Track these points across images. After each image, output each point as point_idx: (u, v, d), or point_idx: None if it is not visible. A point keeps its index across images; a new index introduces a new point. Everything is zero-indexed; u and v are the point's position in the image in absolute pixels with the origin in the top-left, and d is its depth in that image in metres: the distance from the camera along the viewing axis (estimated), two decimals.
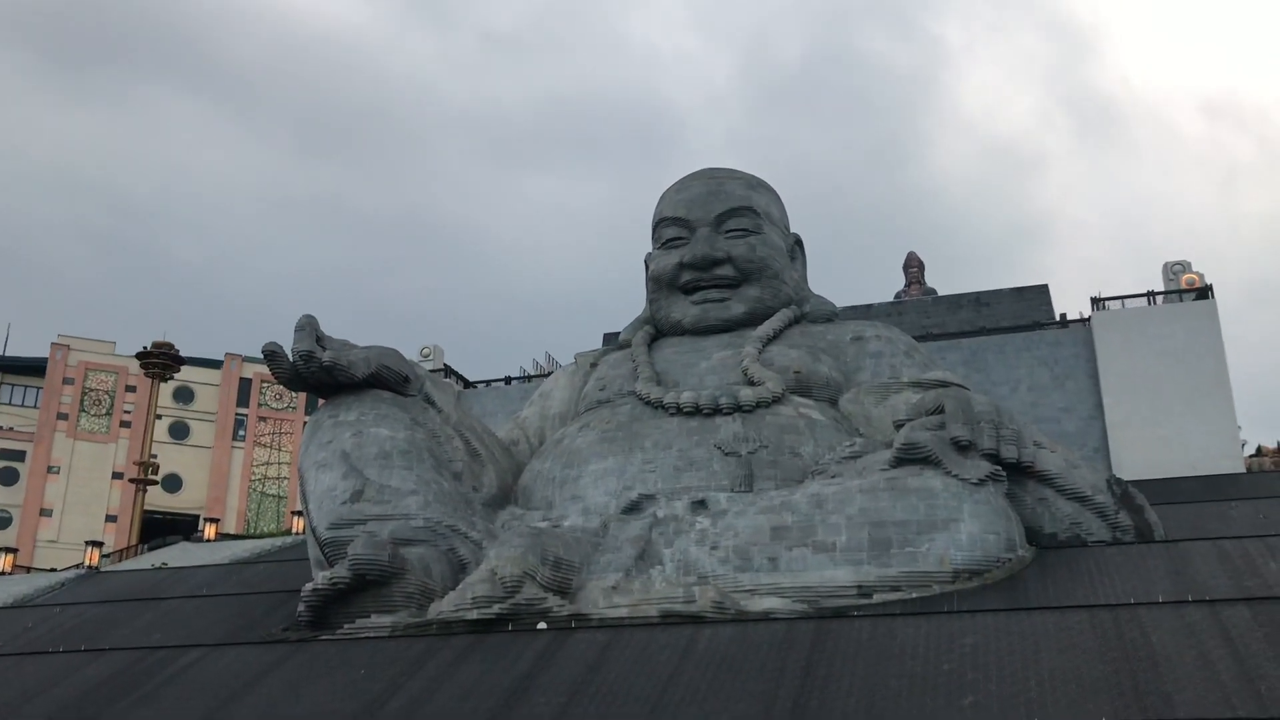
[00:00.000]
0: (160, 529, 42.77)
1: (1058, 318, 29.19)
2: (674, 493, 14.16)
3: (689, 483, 14.41)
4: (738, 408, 15.30)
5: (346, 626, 12.84)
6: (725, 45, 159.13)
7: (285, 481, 65.62)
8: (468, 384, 32.68)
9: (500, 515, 14.80)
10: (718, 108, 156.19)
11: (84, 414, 65.51)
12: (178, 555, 24.52)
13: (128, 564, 25.05)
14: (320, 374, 14.83)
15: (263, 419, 68.25)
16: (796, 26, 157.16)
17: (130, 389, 65.26)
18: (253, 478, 67.00)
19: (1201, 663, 9.51)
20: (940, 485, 12.66)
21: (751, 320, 17.61)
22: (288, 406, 68.14)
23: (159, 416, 52.30)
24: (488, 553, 13.21)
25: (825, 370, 16.72)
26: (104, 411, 65.94)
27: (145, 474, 42.61)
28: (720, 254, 17.66)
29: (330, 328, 15.36)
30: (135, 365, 50.84)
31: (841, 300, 20.53)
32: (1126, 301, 27.48)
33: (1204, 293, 27.10)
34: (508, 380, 32.86)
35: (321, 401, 15.69)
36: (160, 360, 43.73)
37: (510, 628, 12.35)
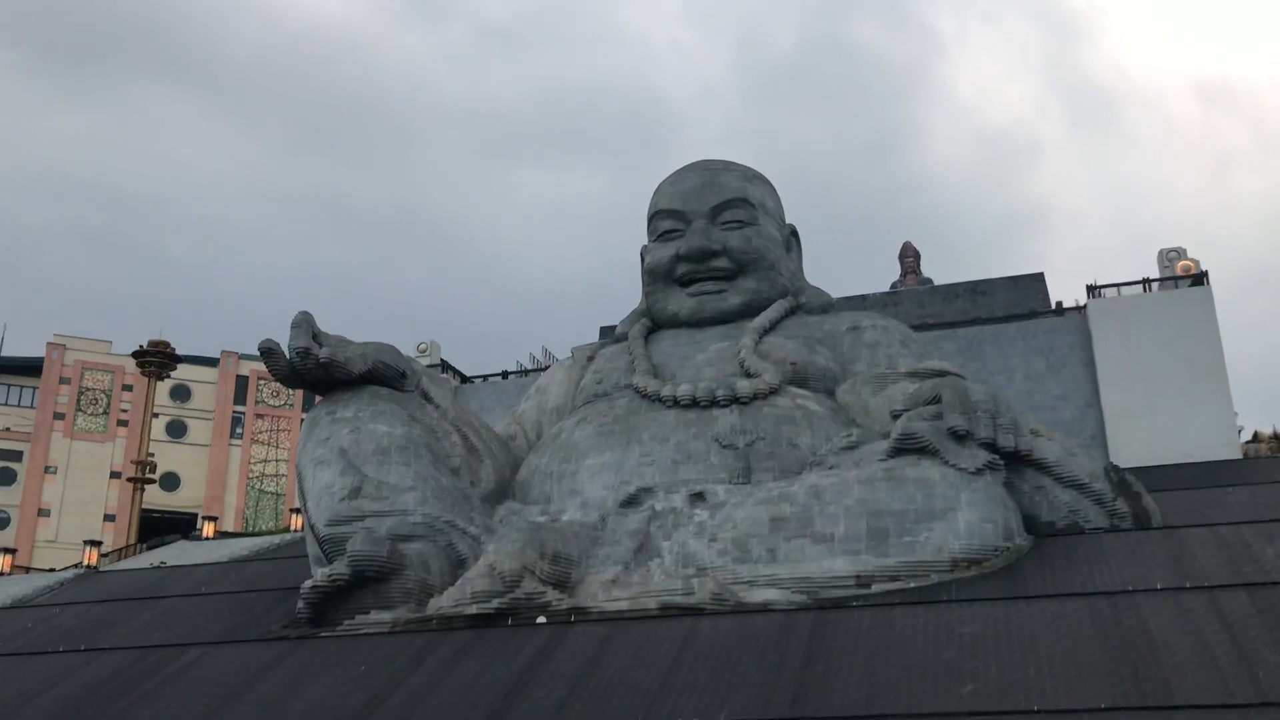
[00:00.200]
0: (159, 528, 42.80)
1: (1053, 306, 29.22)
2: (672, 485, 14.17)
3: (687, 475, 14.41)
4: (735, 400, 15.29)
5: (346, 623, 12.85)
6: (719, 37, 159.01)
7: (283, 479, 65.64)
8: (465, 379, 32.69)
9: (498, 510, 14.79)
10: (712, 99, 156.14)
11: (81, 413, 65.47)
12: (176, 554, 24.53)
13: (126, 563, 25.06)
14: (317, 370, 14.81)
15: (260, 416, 68.25)
16: (789, 17, 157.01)
17: (127, 388, 65.24)
18: (251, 475, 67.02)
19: (1200, 649, 9.53)
20: (938, 475, 12.67)
21: (748, 312, 17.60)
22: (285, 404, 68.14)
23: (156, 415, 52.29)
24: (486, 548, 13.21)
25: (822, 361, 16.72)
26: (101, 411, 65.90)
27: (143, 473, 42.62)
28: (716, 246, 17.65)
29: (326, 324, 15.34)
30: (132, 364, 50.83)
31: (837, 291, 20.52)
32: (1122, 289, 27.52)
33: (1199, 279, 27.13)
34: (505, 375, 32.88)
35: (319, 398, 15.68)
36: (157, 359, 43.74)
37: (510, 622, 12.36)
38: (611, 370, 17.31)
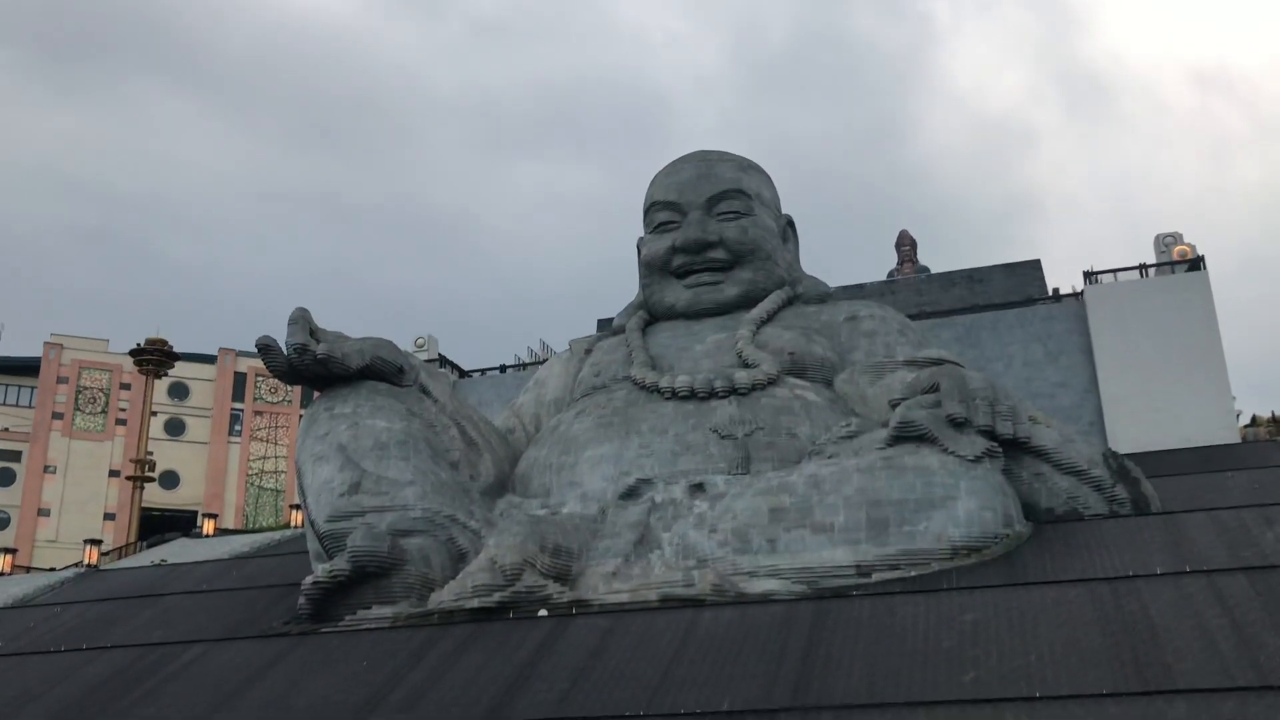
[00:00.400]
0: (159, 526, 42.81)
1: (1050, 293, 29.21)
2: (671, 477, 14.17)
3: (686, 466, 14.42)
4: (733, 390, 15.29)
5: (347, 619, 12.86)
6: (714, 27, 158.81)
7: (283, 475, 65.63)
8: (463, 373, 32.69)
9: (498, 504, 14.80)
10: (708, 90, 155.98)
11: (79, 413, 65.42)
12: (177, 552, 24.54)
13: (127, 561, 25.07)
14: (314, 366, 14.80)
15: (258, 413, 68.22)
16: (785, 6, 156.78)
17: (125, 386, 65.18)
18: (250, 472, 67.02)
19: (1200, 633, 9.55)
20: (937, 463, 12.68)
21: (745, 303, 17.58)
22: (283, 400, 68.10)
23: (154, 413, 52.28)
24: (487, 541, 13.22)
25: (820, 351, 16.72)
26: (99, 410, 65.86)
27: (142, 471, 42.63)
28: (712, 237, 17.63)
29: (323, 320, 15.32)
30: (129, 363, 50.81)
31: (834, 280, 20.53)
32: (1119, 275, 27.52)
33: (1196, 264, 27.13)
34: (502, 369, 32.87)
35: (317, 394, 15.67)
36: (154, 357, 43.74)
37: (511, 615, 12.37)
38: (609, 363, 17.31)
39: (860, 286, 29.45)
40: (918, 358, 15.88)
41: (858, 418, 15.07)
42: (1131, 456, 14.87)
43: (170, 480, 63.62)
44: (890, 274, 33.50)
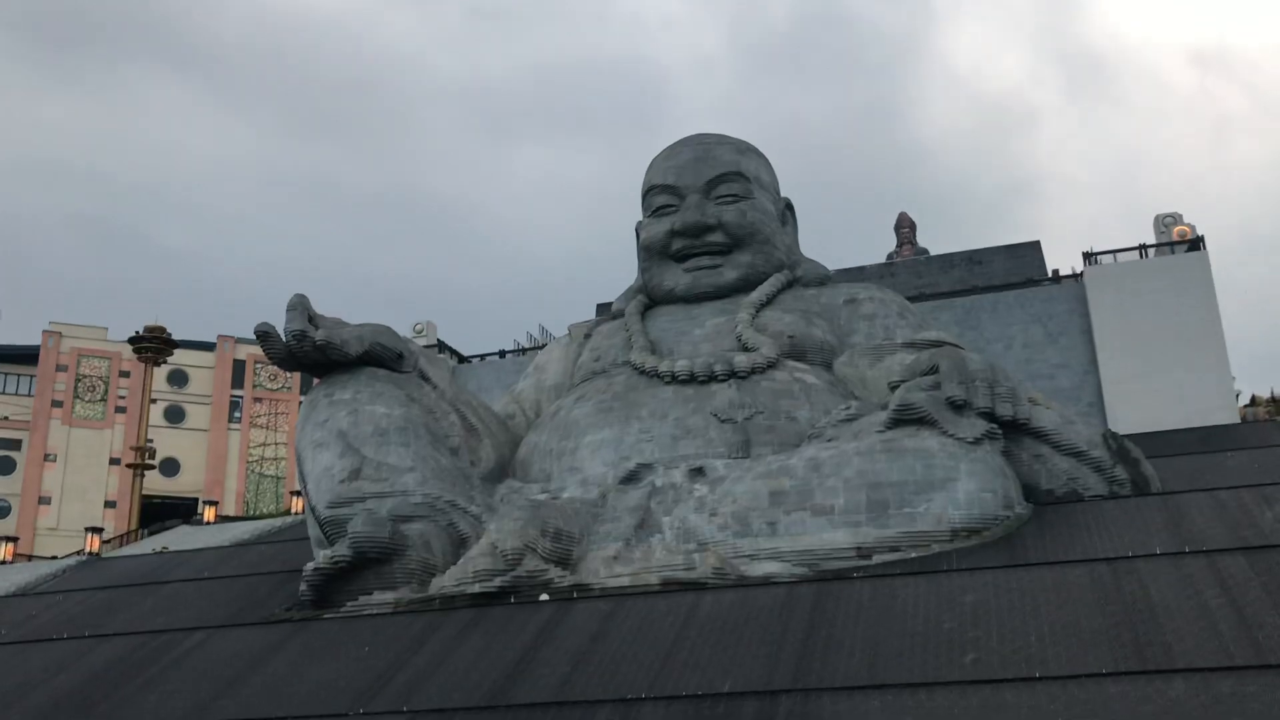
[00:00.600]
0: (159, 513, 42.83)
1: (1050, 274, 29.18)
2: (671, 461, 14.19)
3: (686, 451, 14.43)
4: (733, 374, 15.29)
5: (349, 604, 12.88)
6: (712, 9, 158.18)
7: (283, 462, 65.66)
8: (462, 359, 32.67)
9: (499, 489, 14.82)
10: (707, 72, 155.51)
11: (78, 401, 65.42)
12: (178, 539, 24.59)
13: (128, 549, 25.12)
14: (313, 353, 14.79)
15: (258, 400, 68.23)
16: None
17: (124, 374, 65.16)
18: (250, 459, 67.05)
19: (1200, 613, 9.57)
20: (936, 445, 12.69)
21: (744, 286, 17.56)
22: (283, 387, 68.09)
23: (154, 401, 52.22)
24: (488, 526, 13.24)
25: (819, 334, 16.71)
26: (98, 398, 65.85)
27: (142, 459, 42.61)
28: (711, 220, 17.59)
29: (322, 306, 15.30)
30: (128, 350, 50.76)
31: (834, 263, 20.49)
32: (1118, 255, 27.48)
33: (1195, 244, 27.10)
34: (502, 354, 32.86)
35: (316, 381, 15.67)
36: (153, 344, 43.62)
37: (512, 600, 12.40)
38: (609, 347, 17.30)
39: (860, 269, 29.42)
40: (917, 340, 15.87)
41: (857, 400, 15.07)
42: (1131, 437, 14.88)
43: (171, 468, 63.67)
44: (889, 256, 33.44)
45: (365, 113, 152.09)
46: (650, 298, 18.31)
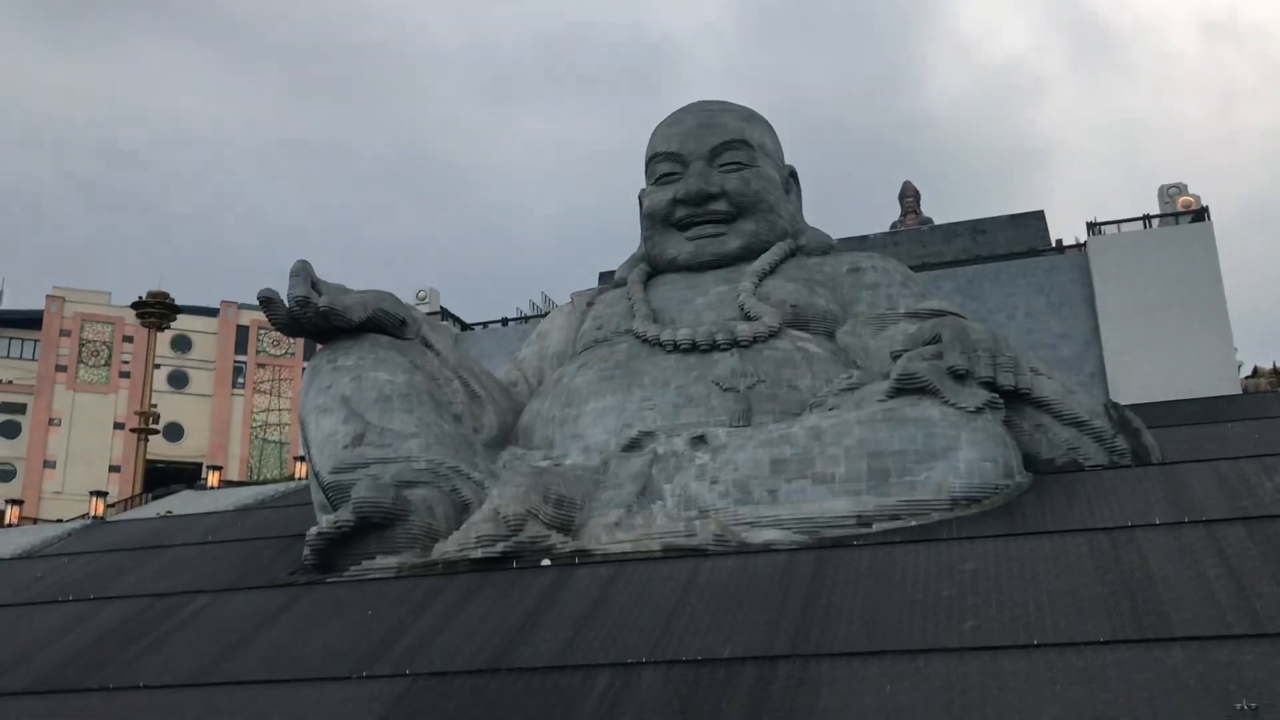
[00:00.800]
0: (163, 478, 43.00)
1: (1054, 244, 29.10)
2: (673, 429, 14.22)
3: (688, 419, 14.46)
4: (735, 343, 15.28)
5: (352, 569, 12.97)
6: None
7: (287, 428, 65.84)
8: (465, 326, 32.68)
9: (501, 455, 14.87)
10: (713, 38, 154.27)
11: (82, 365, 65.53)
12: (182, 503, 24.69)
13: (133, 513, 25.22)
14: (317, 319, 14.79)
15: (261, 366, 68.31)
16: None
17: (128, 339, 65.20)
18: (254, 425, 67.21)
19: (1198, 582, 9.63)
20: (938, 414, 12.71)
21: (747, 255, 17.52)
22: (286, 353, 68.15)
23: (157, 366, 52.34)
24: (490, 493, 13.30)
25: (822, 303, 16.69)
26: (102, 362, 65.96)
27: (146, 424, 42.74)
28: (714, 188, 17.52)
29: (325, 272, 15.29)
30: (132, 315, 50.74)
31: (838, 231, 20.43)
32: (1122, 226, 27.38)
33: (1200, 215, 26.99)
34: (504, 322, 32.86)
35: (319, 347, 15.69)
36: (156, 309, 43.65)
37: (515, 565, 12.47)
38: (611, 315, 17.29)
39: (864, 238, 29.33)
40: (920, 309, 15.86)
41: (859, 369, 15.08)
42: (1132, 407, 14.90)
43: (174, 433, 63.86)
44: (894, 225, 33.35)
45: (369, 78, 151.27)
46: (653, 266, 18.28)
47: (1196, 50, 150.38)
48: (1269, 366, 28.70)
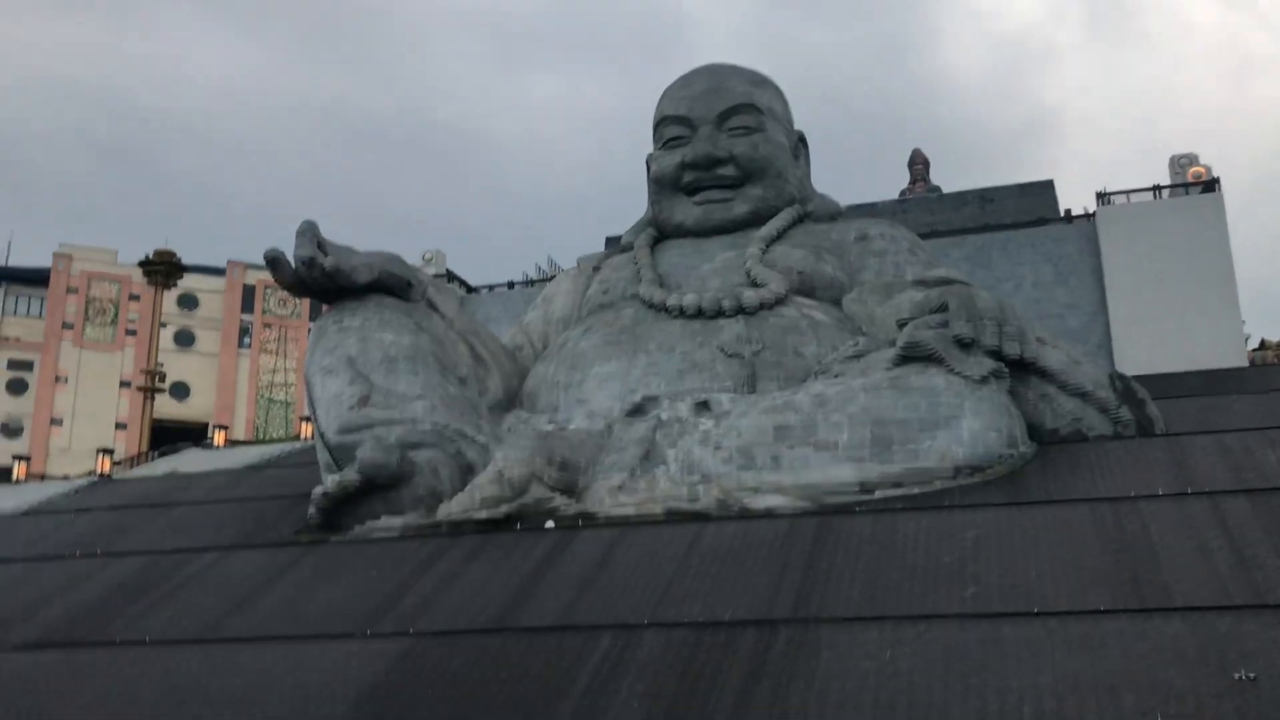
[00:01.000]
0: (169, 436, 43.20)
1: (1063, 214, 28.93)
2: (677, 395, 14.24)
3: (692, 385, 14.47)
4: (740, 309, 15.27)
5: (357, 529, 13.06)
6: None
7: (292, 388, 66.07)
8: (470, 289, 32.63)
9: (506, 419, 14.92)
10: (723, 2, 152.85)
11: (89, 323, 65.70)
12: (188, 462, 24.79)
13: (139, 471, 25.34)
14: (322, 279, 14.78)
15: (267, 326, 68.45)
16: None
17: (134, 298, 65.34)
18: (260, 385, 67.43)
19: (1200, 553, 9.65)
20: (943, 383, 12.71)
21: (755, 220, 17.46)
22: (292, 313, 68.27)
23: (164, 325, 52.41)
24: (494, 455, 13.35)
25: (829, 270, 16.65)
26: (109, 321, 66.12)
27: (152, 382, 42.89)
28: (722, 153, 17.44)
29: (332, 233, 15.25)
30: (138, 274, 50.77)
31: (847, 198, 20.32)
32: (1132, 196, 27.20)
33: (1211, 186, 26.80)
34: (510, 285, 32.80)
35: (325, 308, 15.70)
36: (162, 268, 43.68)
37: (518, 527, 12.54)
38: (617, 280, 17.27)
39: (872, 205, 29.19)
40: (927, 277, 15.81)
41: (865, 337, 15.06)
42: (1138, 378, 14.87)
43: (180, 392, 64.09)
44: (902, 193, 33.18)
45: (377, 38, 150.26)
46: (660, 231, 18.23)
47: (1212, 20, 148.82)
48: (1276, 339, 28.61)
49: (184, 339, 65.92)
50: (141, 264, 44.83)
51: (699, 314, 15.36)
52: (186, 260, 46.03)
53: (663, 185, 17.99)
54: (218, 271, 67.25)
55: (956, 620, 9.00)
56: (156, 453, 29.04)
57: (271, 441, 34.99)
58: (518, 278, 33.48)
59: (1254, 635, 8.14)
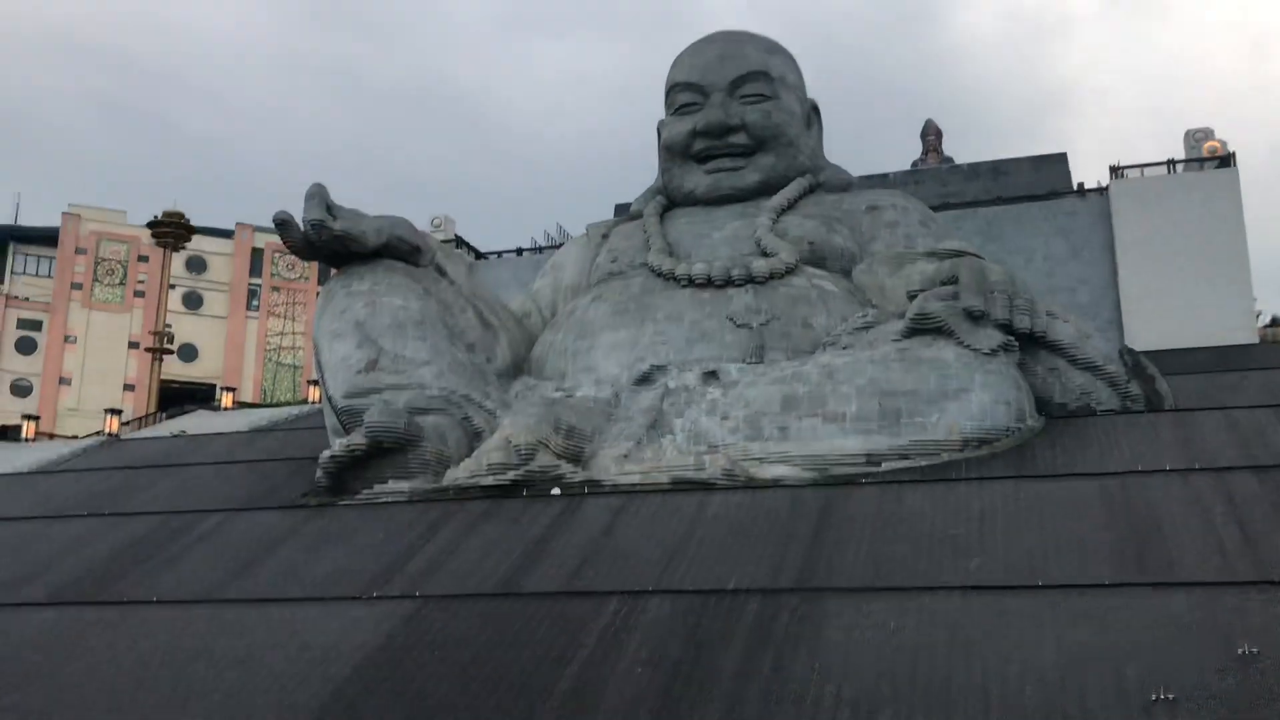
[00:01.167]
0: (177, 398, 43.35)
1: (1075, 187, 28.73)
2: (685, 364, 14.21)
3: (700, 354, 14.44)
4: (750, 279, 15.21)
5: (364, 492, 13.10)
6: None
7: (300, 351, 66.18)
8: (479, 255, 32.56)
9: (514, 386, 14.92)
10: None
11: (98, 284, 65.78)
12: (196, 423, 24.89)
13: (147, 432, 25.44)
14: (331, 243, 14.76)
15: (276, 289, 68.47)
16: None
17: (143, 259, 65.36)
18: (268, 348, 67.55)
19: (1205, 529, 9.66)
20: (952, 355, 12.67)
21: (766, 189, 17.36)
22: (300, 277, 68.25)
23: (173, 286, 52.50)
24: (502, 421, 13.37)
25: (839, 241, 16.57)
26: (118, 281, 66.19)
27: (161, 344, 43.00)
28: (734, 121, 17.31)
29: (341, 197, 15.22)
30: (147, 235, 50.77)
31: (859, 169, 20.21)
32: (1146, 170, 26.98)
33: (1226, 161, 26.56)
34: (519, 252, 32.71)
35: (333, 271, 15.68)
36: (171, 230, 43.67)
37: (524, 494, 12.58)
38: (627, 248, 17.21)
39: (884, 176, 29.00)
40: (938, 249, 15.73)
41: (875, 308, 15.01)
42: (1148, 354, 14.84)
43: (189, 353, 64.25)
44: (914, 164, 32.96)
45: (389, 2, 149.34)
46: (670, 199, 18.14)
47: None
48: None
49: (192, 301, 65.99)
50: (150, 225, 44.81)
51: (708, 283, 15.32)
52: (195, 222, 45.99)
53: (673, 152, 17.88)
54: (226, 234, 67.20)
55: (961, 592, 9.02)
56: (164, 414, 29.16)
57: (279, 404, 35.12)
58: (526, 244, 33.36)
59: (1258, 610, 8.15)
